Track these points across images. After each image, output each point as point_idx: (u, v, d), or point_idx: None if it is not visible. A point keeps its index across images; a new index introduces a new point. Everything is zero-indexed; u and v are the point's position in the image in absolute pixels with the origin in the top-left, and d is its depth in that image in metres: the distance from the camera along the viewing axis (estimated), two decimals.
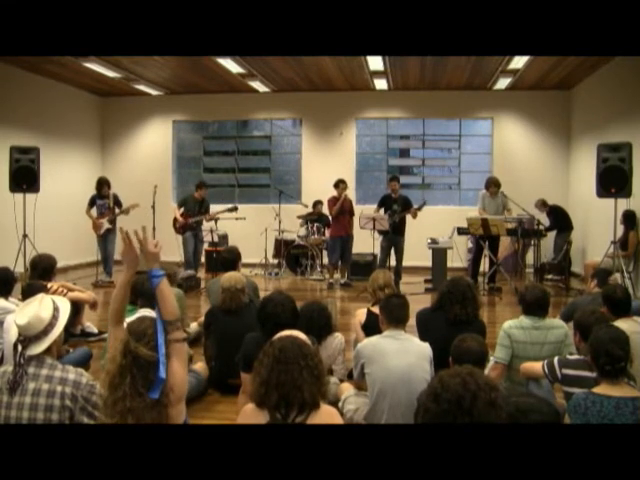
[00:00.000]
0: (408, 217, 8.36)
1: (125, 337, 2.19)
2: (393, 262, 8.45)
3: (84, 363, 4.33)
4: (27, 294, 3.87)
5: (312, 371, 2.18)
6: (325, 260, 9.97)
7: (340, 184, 8.66)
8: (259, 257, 9.83)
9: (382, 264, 8.19)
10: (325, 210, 9.65)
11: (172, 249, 8.88)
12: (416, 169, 11.99)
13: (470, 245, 9.58)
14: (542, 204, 9.36)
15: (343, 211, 8.66)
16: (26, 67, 9.04)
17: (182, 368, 2.27)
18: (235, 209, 9.00)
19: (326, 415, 2.19)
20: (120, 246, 2.57)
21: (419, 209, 8.22)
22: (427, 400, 1.66)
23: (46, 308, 2.36)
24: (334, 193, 8.81)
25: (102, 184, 8.74)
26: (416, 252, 9.06)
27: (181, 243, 8.88)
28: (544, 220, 9.04)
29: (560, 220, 9.18)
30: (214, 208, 9.21)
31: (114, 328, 2.56)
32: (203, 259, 9.72)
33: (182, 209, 8.84)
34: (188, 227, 8.75)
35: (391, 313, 3.32)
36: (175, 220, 8.78)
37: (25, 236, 7.54)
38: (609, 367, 2.39)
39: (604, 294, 3.61)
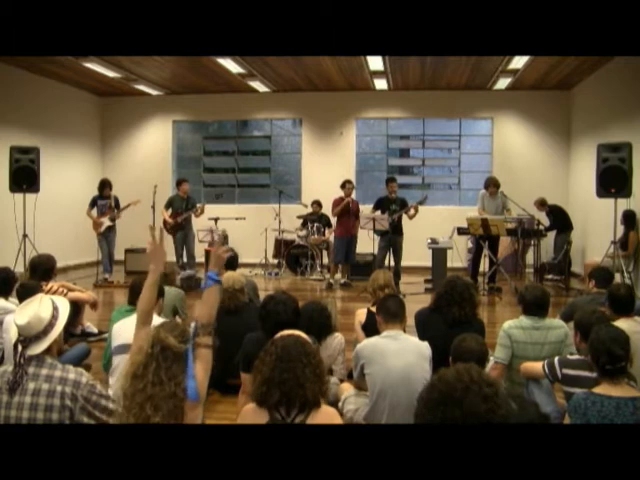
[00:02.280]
0: (404, 217, 8.39)
1: (155, 329, 2.19)
2: (392, 263, 8.45)
3: (82, 359, 4.33)
4: (22, 294, 3.87)
5: (314, 369, 2.19)
6: (325, 260, 9.98)
7: (347, 184, 8.71)
8: (259, 257, 9.82)
9: (380, 264, 8.19)
10: (324, 210, 9.67)
11: (171, 250, 8.95)
12: (416, 169, 11.99)
13: (470, 245, 9.58)
14: (541, 203, 9.31)
15: (349, 213, 8.66)
16: (26, 67, 9.04)
17: (204, 372, 2.27)
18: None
19: (326, 415, 2.19)
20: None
21: (421, 203, 8.24)
22: (423, 391, 1.70)
23: (46, 308, 2.36)
24: (334, 193, 8.83)
25: (105, 185, 8.81)
26: (416, 252, 9.06)
27: (172, 243, 8.95)
28: (544, 220, 9.04)
29: (559, 220, 9.17)
30: (214, 208, 9.24)
31: (139, 329, 2.54)
32: (203, 259, 9.73)
33: (170, 210, 8.90)
34: (179, 227, 8.80)
35: (388, 310, 3.33)
36: (165, 222, 8.84)
37: (25, 236, 7.54)
38: (610, 367, 2.39)
39: (608, 291, 3.62)
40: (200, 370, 2.24)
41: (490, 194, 8.45)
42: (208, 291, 2.35)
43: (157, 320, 2.66)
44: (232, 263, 5.17)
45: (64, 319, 2.43)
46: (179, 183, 9.12)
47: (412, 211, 8.30)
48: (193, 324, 2.27)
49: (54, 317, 2.37)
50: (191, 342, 2.22)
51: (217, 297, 2.38)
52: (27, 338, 2.30)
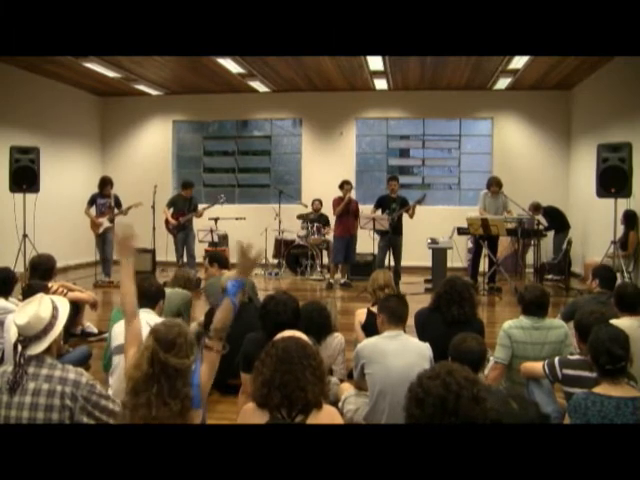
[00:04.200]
0: (405, 217, 8.38)
1: (151, 344, 2.13)
2: (392, 262, 8.44)
3: (84, 362, 4.33)
4: (28, 294, 3.87)
5: (315, 371, 2.18)
6: (325, 260, 9.98)
7: (345, 185, 8.70)
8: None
9: (380, 264, 8.18)
10: (324, 210, 9.68)
11: (171, 250, 8.97)
12: (416, 169, 11.99)
13: (470, 245, 9.57)
14: (535, 208, 9.18)
15: (348, 213, 8.66)
16: (26, 67, 9.03)
17: (208, 376, 2.30)
18: (221, 201, 9.20)
19: (326, 415, 2.19)
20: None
21: (419, 202, 8.24)
22: (411, 406, 1.64)
23: (45, 308, 2.36)
24: (334, 193, 8.84)
25: (106, 183, 8.70)
26: (416, 252, 9.06)
27: (172, 243, 8.96)
28: (544, 220, 9.04)
29: (556, 221, 9.16)
30: (214, 208, 9.23)
31: (129, 324, 2.55)
32: (203, 259, 9.73)
33: (171, 209, 8.89)
34: (180, 227, 8.80)
35: (394, 312, 3.32)
36: (167, 221, 8.83)
37: (25, 236, 7.54)
38: (610, 367, 2.39)
39: (616, 289, 3.64)
40: (205, 372, 2.26)
41: (492, 193, 8.44)
42: (226, 301, 2.40)
43: (157, 320, 2.66)
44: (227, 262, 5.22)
45: (64, 319, 2.43)
46: (185, 186, 9.05)
47: (411, 210, 8.29)
48: (194, 325, 2.30)
49: (54, 317, 2.37)
50: (200, 345, 2.23)
51: (231, 308, 2.40)
52: (27, 338, 2.29)
